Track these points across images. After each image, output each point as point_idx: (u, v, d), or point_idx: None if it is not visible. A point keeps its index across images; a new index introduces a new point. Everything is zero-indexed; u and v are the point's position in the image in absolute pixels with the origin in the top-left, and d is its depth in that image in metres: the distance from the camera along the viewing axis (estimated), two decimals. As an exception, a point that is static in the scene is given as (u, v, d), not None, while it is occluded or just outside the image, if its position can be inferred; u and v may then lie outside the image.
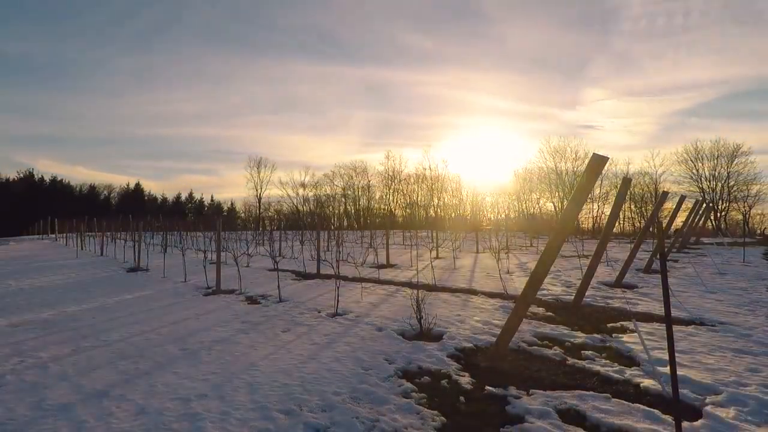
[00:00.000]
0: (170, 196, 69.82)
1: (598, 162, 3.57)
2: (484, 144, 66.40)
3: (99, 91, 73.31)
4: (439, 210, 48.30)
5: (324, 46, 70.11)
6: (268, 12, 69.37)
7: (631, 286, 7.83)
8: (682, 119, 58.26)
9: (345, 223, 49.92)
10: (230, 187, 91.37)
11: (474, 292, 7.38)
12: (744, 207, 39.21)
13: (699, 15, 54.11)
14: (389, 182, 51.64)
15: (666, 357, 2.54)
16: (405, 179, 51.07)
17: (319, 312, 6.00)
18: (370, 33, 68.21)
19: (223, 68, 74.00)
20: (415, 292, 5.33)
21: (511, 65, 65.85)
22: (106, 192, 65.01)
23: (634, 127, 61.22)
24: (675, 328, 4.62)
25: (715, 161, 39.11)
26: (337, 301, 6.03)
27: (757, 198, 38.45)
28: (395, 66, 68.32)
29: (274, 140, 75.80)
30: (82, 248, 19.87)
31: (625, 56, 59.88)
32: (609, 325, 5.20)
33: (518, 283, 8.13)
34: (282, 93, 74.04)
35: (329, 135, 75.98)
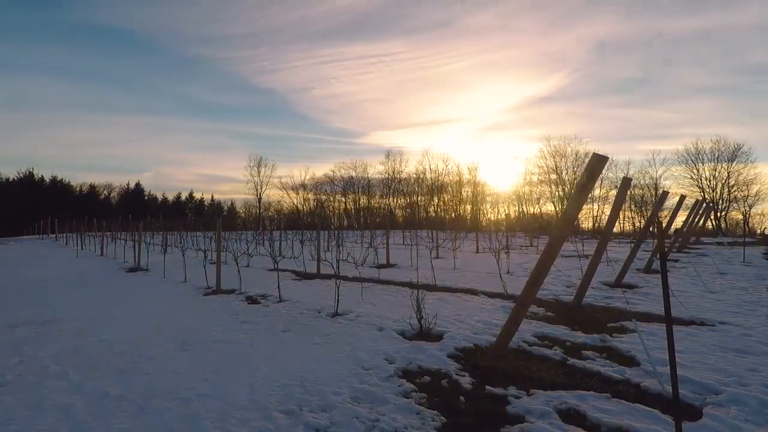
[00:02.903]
0: (170, 196, 70.09)
1: (597, 161, 3.56)
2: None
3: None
4: (439, 210, 48.33)
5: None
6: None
7: (631, 286, 7.83)
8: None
9: (345, 223, 49.89)
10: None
11: (474, 292, 7.38)
12: (744, 207, 39.22)
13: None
14: (389, 182, 51.76)
15: (666, 357, 2.54)
16: (405, 179, 51.25)
17: (319, 312, 5.99)
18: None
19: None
20: (415, 291, 5.32)
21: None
22: (106, 192, 65.06)
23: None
24: (675, 328, 4.60)
25: (716, 161, 39.18)
26: (337, 300, 6.02)
27: (757, 198, 38.50)
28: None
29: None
30: (82, 248, 19.87)
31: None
32: (609, 325, 5.21)
33: (518, 283, 8.11)
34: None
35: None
